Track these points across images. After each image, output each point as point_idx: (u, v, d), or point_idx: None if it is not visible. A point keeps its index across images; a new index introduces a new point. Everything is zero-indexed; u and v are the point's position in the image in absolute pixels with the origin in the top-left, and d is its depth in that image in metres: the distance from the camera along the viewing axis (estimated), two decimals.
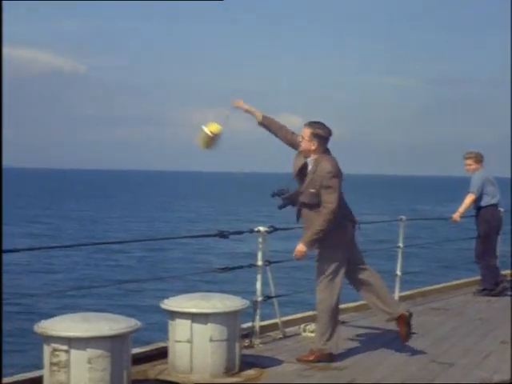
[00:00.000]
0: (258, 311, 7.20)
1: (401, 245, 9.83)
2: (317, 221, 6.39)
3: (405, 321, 6.81)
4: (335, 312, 6.64)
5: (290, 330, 7.63)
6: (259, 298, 7.22)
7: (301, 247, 6.48)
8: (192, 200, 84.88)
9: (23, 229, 44.01)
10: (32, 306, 18.08)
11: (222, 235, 6.94)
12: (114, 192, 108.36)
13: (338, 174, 6.42)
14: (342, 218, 6.51)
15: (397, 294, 9.57)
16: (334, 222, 6.38)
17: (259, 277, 7.23)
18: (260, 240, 7.23)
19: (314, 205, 6.44)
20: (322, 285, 6.57)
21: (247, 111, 6.80)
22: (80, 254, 29.40)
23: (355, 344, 7.32)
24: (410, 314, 6.90)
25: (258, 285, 7.25)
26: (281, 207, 6.72)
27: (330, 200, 6.34)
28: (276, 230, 7.34)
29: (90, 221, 51.60)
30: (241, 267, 7.42)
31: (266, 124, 6.78)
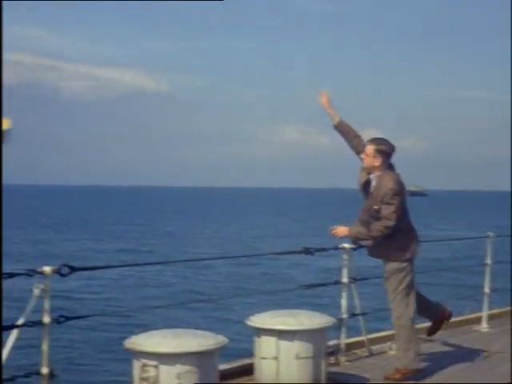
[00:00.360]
0: (344, 328, 7.18)
1: (489, 262, 9.63)
2: (373, 226, 6.42)
3: (444, 319, 7.15)
4: (414, 326, 6.61)
5: (376, 347, 7.58)
6: (345, 316, 7.21)
7: (345, 231, 6.56)
8: (280, 216, 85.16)
9: (116, 245, 45.25)
10: (123, 320, 18.48)
11: (308, 252, 6.96)
12: (201, 208, 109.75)
13: (400, 191, 6.42)
14: (410, 232, 6.58)
15: (485, 312, 9.38)
16: (401, 236, 6.45)
17: (344, 294, 7.22)
18: (345, 257, 7.23)
19: (378, 220, 6.47)
20: (396, 300, 6.54)
21: (326, 110, 6.86)
22: (170, 269, 29.98)
23: (442, 362, 7.22)
24: (450, 316, 7.29)
25: (344, 302, 7.24)
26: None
27: (388, 216, 6.34)
28: (361, 246, 7.33)
29: (179, 237, 52.58)
30: (326, 284, 7.45)
31: (342, 129, 6.80)
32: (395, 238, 6.46)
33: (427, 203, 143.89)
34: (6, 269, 4.85)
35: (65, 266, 5.06)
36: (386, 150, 6.48)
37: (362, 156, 6.54)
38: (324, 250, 7.25)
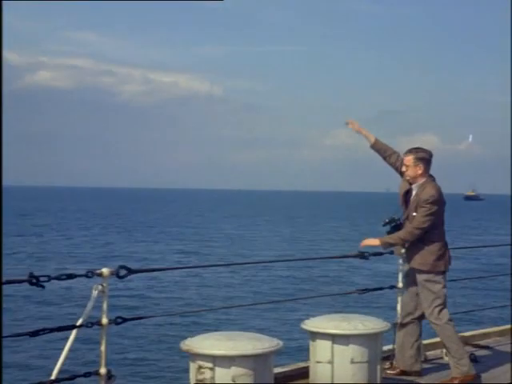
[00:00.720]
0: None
1: None
2: (404, 229, 6.50)
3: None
4: (457, 332, 6.61)
5: (431, 353, 7.51)
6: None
7: (375, 241, 6.56)
8: (336, 219, 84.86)
9: (174, 246, 45.95)
10: (180, 321, 18.65)
11: (363, 256, 6.94)
12: (254, 211, 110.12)
13: (438, 200, 6.47)
14: (444, 245, 6.58)
15: None
16: (435, 248, 6.48)
17: (399, 298, 7.17)
18: (400, 261, 7.18)
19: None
20: (435, 313, 6.53)
21: (360, 133, 7.01)
22: (227, 271, 30.21)
23: (500, 369, 7.12)
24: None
25: (399, 307, 7.18)
26: (388, 234, 6.75)
27: (421, 219, 6.41)
28: None
29: (235, 239, 52.98)
30: (381, 289, 7.41)
31: (379, 147, 6.94)
32: (429, 249, 6.50)
33: (484, 208, 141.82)
34: (69, 270, 4.95)
35: (122, 267, 5.12)
36: (425, 157, 6.58)
37: (403, 169, 6.64)
38: (380, 254, 7.21)
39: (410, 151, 6.62)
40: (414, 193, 6.59)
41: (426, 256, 6.50)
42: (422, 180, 6.55)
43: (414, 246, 6.57)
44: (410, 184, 6.64)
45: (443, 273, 6.58)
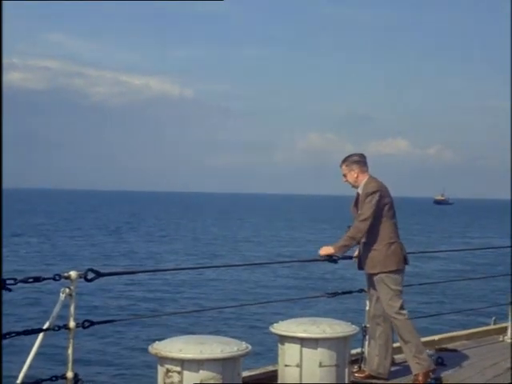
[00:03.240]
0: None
1: None
2: (350, 229, 6.53)
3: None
4: (415, 328, 6.67)
5: (399, 356, 7.53)
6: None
7: (328, 249, 6.58)
8: (319, 222, 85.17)
9: (165, 247, 46.98)
10: (150, 325, 18.55)
11: (331, 260, 6.94)
12: (237, 213, 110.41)
13: (379, 191, 6.52)
14: (397, 244, 6.64)
15: (511, 323, 9.27)
16: (389, 248, 6.54)
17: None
18: None
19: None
20: (395, 308, 6.60)
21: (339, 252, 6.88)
22: (196, 273, 30.24)
23: (467, 373, 7.17)
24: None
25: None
26: None
27: (363, 211, 6.50)
28: None
29: (223, 241, 53.74)
30: (350, 292, 7.43)
31: (346, 247, 6.74)
32: (377, 250, 6.58)
33: (453, 212, 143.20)
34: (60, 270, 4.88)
35: (90, 270, 5.08)
36: (355, 160, 6.74)
37: (343, 179, 6.78)
38: (349, 258, 7.23)
39: (342, 162, 6.77)
40: (359, 192, 6.69)
41: (376, 257, 6.58)
42: (363, 180, 6.67)
43: (364, 249, 6.67)
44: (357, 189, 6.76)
45: (397, 271, 6.62)
